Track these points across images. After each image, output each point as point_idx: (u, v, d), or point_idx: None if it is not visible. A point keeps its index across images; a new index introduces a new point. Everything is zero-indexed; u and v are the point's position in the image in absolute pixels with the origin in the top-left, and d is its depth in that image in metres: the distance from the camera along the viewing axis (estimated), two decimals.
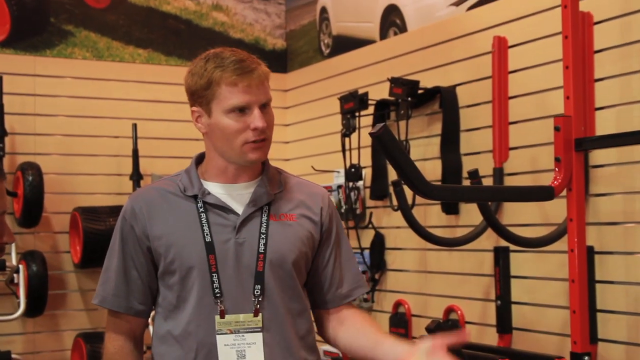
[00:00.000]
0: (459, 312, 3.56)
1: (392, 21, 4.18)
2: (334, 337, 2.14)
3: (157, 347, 2.07)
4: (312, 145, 4.80)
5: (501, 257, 3.32)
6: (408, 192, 3.25)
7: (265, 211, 2.05)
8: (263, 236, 2.02)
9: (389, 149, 2.17)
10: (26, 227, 4.29)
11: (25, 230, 4.34)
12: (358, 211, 4.16)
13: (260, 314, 2.00)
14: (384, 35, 4.24)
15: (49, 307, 4.30)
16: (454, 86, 3.65)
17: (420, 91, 3.71)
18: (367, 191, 4.16)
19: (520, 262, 3.30)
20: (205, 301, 1.99)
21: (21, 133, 4.43)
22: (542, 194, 2.58)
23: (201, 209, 2.03)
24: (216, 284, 1.99)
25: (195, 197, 2.05)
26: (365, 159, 4.07)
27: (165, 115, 4.74)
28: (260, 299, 2.00)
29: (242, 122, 1.98)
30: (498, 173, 3.34)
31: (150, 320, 2.14)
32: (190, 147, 4.49)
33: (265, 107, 2.02)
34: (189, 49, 4.85)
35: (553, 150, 2.61)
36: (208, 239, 2.01)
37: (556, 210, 3.04)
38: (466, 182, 3.46)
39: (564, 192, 2.60)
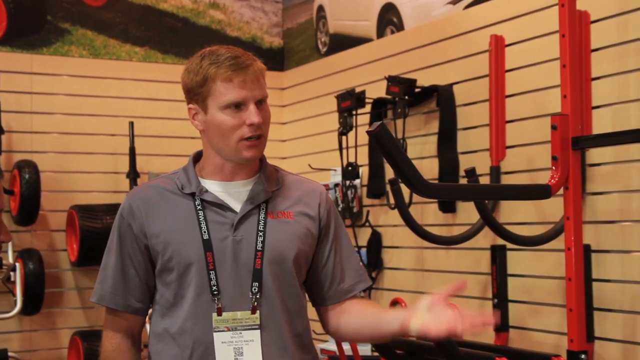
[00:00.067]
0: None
1: (389, 19, 4.18)
2: (337, 328, 2.12)
3: (154, 345, 2.07)
4: (309, 144, 4.80)
5: (498, 256, 3.32)
6: (405, 191, 3.25)
7: (263, 209, 2.05)
8: (261, 234, 2.02)
9: (386, 147, 2.17)
10: (23, 225, 4.29)
11: (22, 228, 4.34)
12: (355, 209, 4.16)
13: (258, 312, 2.00)
14: (381, 33, 4.24)
15: (46, 305, 4.30)
16: (451, 85, 3.66)
17: (417, 90, 3.72)
18: (364, 189, 4.17)
19: (517, 260, 3.30)
20: (202, 299, 2.00)
21: (18, 131, 4.42)
22: (539, 192, 2.58)
23: (199, 207, 2.03)
24: (213, 282, 1.99)
25: (192, 194, 2.05)
26: (362, 158, 4.07)
27: (162, 113, 4.74)
28: (257, 297, 2.00)
29: (237, 118, 1.98)
30: (495, 171, 3.34)
31: (147, 318, 2.14)
32: (187, 145, 4.48)
33: (261, 103, 2.02)
34: (186, 47, 4.85)
35: (550, 149, 2.62)
36: (206, 236, 2.01)
37: (553, 208, 3.04)
38: (463, 181, 3.47)
39: (561, 191, 2.60)
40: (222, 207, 2.04)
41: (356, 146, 4.01)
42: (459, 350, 2.59)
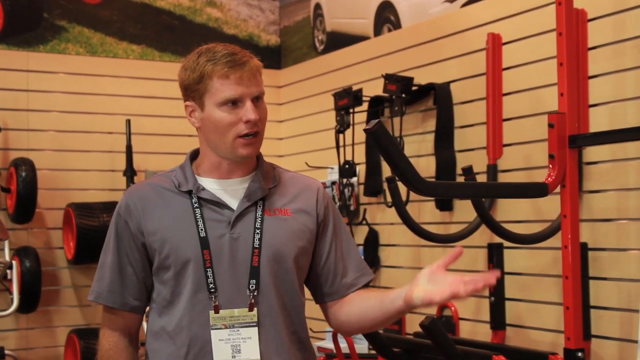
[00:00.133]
0: (452, 308, 3.56)
1: (386, 18, 4.18)
2: (342, 321, 2.10)
3: (151, 344, 2.07)
4: (306, 142, 4.80)
5: (495, 254, 3.32)
6: (402, 189, 3.25)
7: (260, 206, 2.05)
8: (258, 231, 2.02)
9: (383, 145, 2.17)
10: (19, 223, 4.28)
11: (18, 226, 4.33)
12: (352, 207, 4.16)
13: (255, 309, 2.00)
14: (378, 31, 4.24)
15: (42, 303, 4.29)
16: (448, 83, 3.66)
17: (414, 88, 3.72)
18: (361, 187, 4.17)
19: (514, 258, 3.31)
20: (199, 296, 1.99)
21: (14, 129, 4.42)
22: (536, 190, 2.58)
23: (195, 205, 2.03)
24: (210, 279, 1.99)
25: (189, 192, 2.05)
26: (359, 156, 4.07)
27: (159, 111, 4.74)
28: (255, 294, 2.00)
29: (234, 115, 1.98)
30: (492, 169, 3.35)
31: (144, 316, 2.13)
32: (184, 143, 4.49)
33: (257, 100, 2.01)
34: (183, 44, 4.85)
35: (547, 147, 2.62)
36: (202, 234, 2.01)
37: (550, 206, 3.05)
38: (460, 179, 3.47)
39: (558, 189, 2.61)
40: (219, 204, 2.04)
41: (353, 144, 4.01)
42: (456, 348, 2.60)
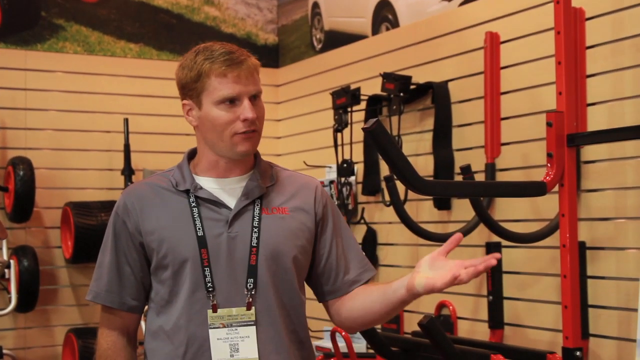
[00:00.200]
0: (450, 307, 3.56)
1: (384, 16, 4.18)
2: (346, 317, 2.10)
3: (149, 343, 2.06)
4: (304, 141, 4.80)
5: (493, 253, 3.31)
6: (400, 188, 3.25)
7: (258, 205, 2.05)
8: (255, 230, 2.02)
9: (381, 144, 2.17)
10: (17, 222, 4.28)
11: (16, 225, 4.33)
12: (350, 207, 4.16)
13: (253, 308, 2.00)
14: (376, 30, 4.24)
15: (40, 303, 4.29)
16: (446, 82, 3.66)
17: (412, 87, 3.72)
18: (359, 186, 4.17)
19: (512, 257, 3.31)
20: (197, 295, 1.99)
21: (12, 127, 4.41)
22: (534, 189, 2.58)
23: (193, 204, 2.03)
24: (208, 278, 1.99)
25: (187, 191, 2.05)
26: (358, 155, 4.07)
27: (157, 110, 4.73)
28: (253, 293, 2.00)
29: (232, 113, 1.98)
30: (490, 168, 3.34)
31: (143, 316, 2.13)
32: (182, 142, 4.50)
33: (255, 98, 2.01)
34: (181, 43, 4.84)
35: (545, 146, 2.62)
36: (200, 233, 2.00)
37: (548, 205, 3.05)
38: (458, 178, 3.47)
39: (556, 188, 2.60)
40: (217, 203, 2.03)
41: (351, 143, 4.01)
42: (454, 347, 2.59)
